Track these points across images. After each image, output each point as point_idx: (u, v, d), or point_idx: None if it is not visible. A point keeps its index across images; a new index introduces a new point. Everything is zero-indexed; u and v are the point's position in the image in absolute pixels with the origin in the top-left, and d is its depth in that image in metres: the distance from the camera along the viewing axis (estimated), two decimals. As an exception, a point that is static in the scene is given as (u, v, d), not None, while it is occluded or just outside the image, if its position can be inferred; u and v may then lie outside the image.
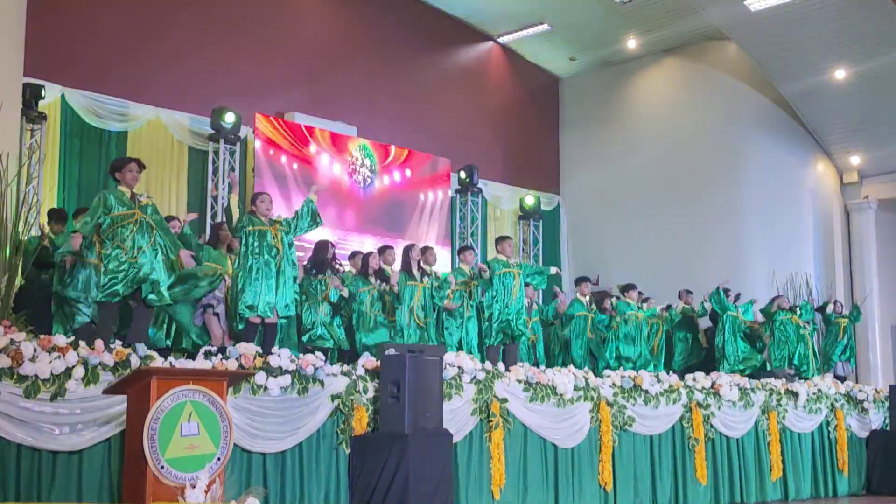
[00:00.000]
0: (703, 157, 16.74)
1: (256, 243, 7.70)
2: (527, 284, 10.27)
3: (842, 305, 14.15)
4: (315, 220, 8.01)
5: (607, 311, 11.66)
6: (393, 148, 15.38)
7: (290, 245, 7.90)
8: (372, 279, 9.61)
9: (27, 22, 9.24)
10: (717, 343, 12.19)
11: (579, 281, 11.76)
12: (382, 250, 10.20)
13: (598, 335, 11.50)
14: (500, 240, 10.23)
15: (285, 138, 13.85)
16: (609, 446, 8.88)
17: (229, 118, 12.94)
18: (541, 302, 12.55)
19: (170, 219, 8.41)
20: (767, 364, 12.23)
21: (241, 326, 7.68)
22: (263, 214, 7.88)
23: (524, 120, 18.28)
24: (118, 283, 6.93)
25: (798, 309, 12.84)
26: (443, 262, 14.53)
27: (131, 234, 6.99)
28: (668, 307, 12.63)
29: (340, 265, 9.93)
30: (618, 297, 11.91)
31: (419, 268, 9.63)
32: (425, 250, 9.94)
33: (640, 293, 11.95)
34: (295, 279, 7.92)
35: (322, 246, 9.58)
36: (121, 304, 7.19)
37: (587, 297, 11.54)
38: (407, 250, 9.75)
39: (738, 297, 12.70)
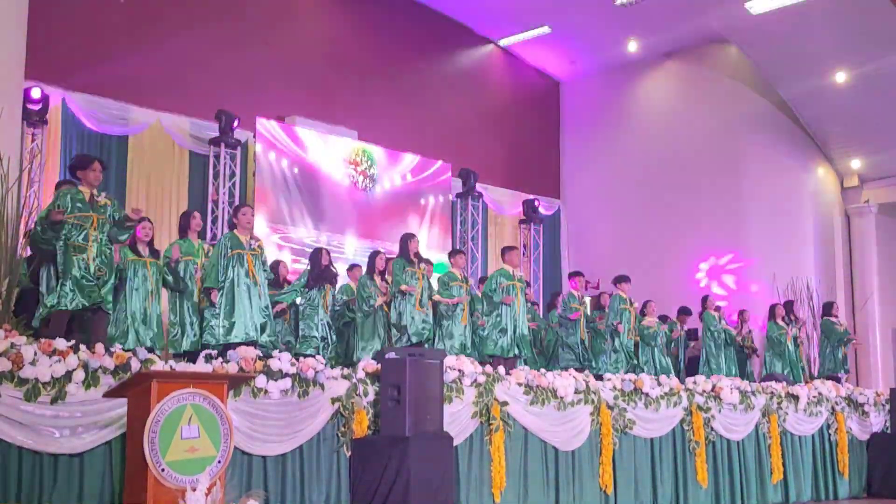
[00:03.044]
0: (703, 161, 16.75)
1: (234, 267, 7.79)
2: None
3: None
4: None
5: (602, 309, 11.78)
6: (393, 152, 15.40)
7: (263, 268, 8.03)
8: (378, 281, 9.61)
9: (28, 26, 9.25)
10: (702, 360, 12.23)
11: (573, 275, 11.73)
12: (351, 268, 10.41)
13: (594, 332, 11.56)
14: (506, 250, 10.20)
15: (286, 142, 13.87)
16: (609, 449, 8.86)
17: (230, 122, 12.95)
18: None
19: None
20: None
21: (221, 342, 7.71)
22: (245, 228, 7.98)
23: (525, 124, 18.29)
24: (78, 295, 6.83)
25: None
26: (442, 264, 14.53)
27: (92, 241, 6.91)
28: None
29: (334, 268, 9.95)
30: (610, 293, 11.91)
31: (416, 255, 9.70)
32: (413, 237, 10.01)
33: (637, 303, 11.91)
34: (267, 305, 8.01)
35: (316, 256, 9.57)
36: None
37: (579, 292, 11.53)
38: (405, 240, 9.76)
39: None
